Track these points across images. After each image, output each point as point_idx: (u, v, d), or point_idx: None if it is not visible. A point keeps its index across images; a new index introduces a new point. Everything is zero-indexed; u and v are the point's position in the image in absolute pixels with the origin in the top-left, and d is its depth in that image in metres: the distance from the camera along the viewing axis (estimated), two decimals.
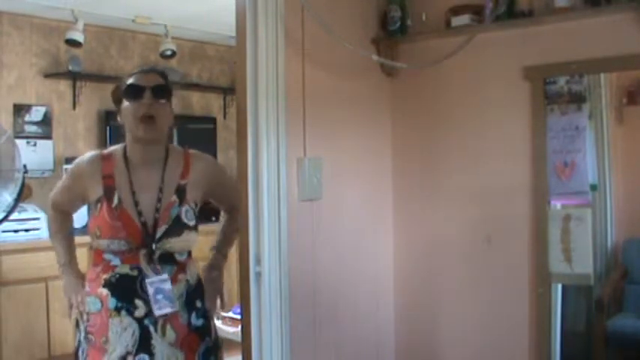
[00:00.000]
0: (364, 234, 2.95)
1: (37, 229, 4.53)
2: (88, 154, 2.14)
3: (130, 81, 2.03)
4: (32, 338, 4.34)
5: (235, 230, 2.36)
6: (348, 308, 2.87)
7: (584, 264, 2.59)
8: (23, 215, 4.43)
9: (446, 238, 2.92)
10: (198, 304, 2.09)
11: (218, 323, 3.76)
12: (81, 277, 2.17)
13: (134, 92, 2.00)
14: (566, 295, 2.74)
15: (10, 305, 4.26)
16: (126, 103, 2.02)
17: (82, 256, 2.38)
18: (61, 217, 2.29)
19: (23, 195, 3.19)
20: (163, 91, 2.04)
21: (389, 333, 3.08)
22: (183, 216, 2.02)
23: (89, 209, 2.13)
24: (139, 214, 2.00)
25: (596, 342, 3.00)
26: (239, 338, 2.76)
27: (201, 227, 2.11)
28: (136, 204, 2.01)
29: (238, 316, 3.13)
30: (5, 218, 3.10)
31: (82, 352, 2.06)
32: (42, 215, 4.58)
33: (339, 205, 2.81)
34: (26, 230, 4.48)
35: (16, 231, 4.41)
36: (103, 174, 2.06)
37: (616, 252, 3.21)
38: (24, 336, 4.30)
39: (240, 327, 2.74)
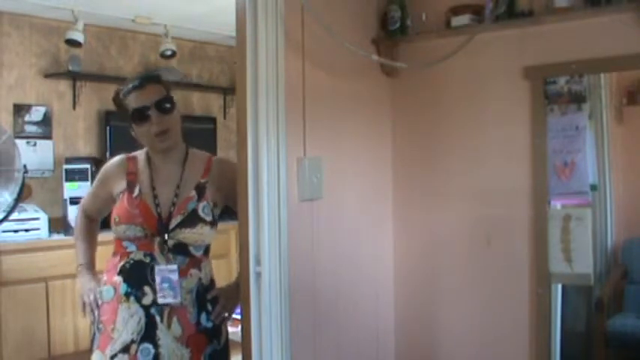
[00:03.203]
0: (364, 234, 2.95)
1: (37, 229, 4.54)
2: (116, 157, 2.28)
3: (133, 104, 2.07)
4: (32, 338, 4.35)
5: None
6: (348, 308, 2.87)
7: (584, 264, 2.59)
8: (23, 215, 4.44)
9: (446, 238, 2.92)
10: (210, 307, 2.11)
11: None
12: (96, 279, 2.27)
13: (140, 115, 2.08)
14: (566, 295, 2.74)
15: (10, 305, 4.27)
16: (136, 126, 2.10)
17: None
18: (87, 221, 2.38)
19: (23, 195, 3.20)
20: (167, 103, 2.09)
21: (389, 333, 3.08)
22: (200, 210, 2.10)
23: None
24: (157, 205, 2.07)
25: (596, 342, 3.01)
26: (239, 338, 2.76)
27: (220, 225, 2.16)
28: (155, 197, 2.10)
29: (238, 316, 3.13)
30: (5, 218, 3.11)
31: (95, 340, 2.15)
32: (42, 215, 4.59)
33: (339, 205, 2.81)
34: (26, 230, 4.49)
35: (16, 231, 4.42)
36: (128, 171, 2.19)
37: (616, 252, 3.22)
38: (24, 336, 4.31)
39: (240, 327, 2.73)
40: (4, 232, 4.26)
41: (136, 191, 2.12)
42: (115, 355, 2.07)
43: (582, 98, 2.64)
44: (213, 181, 2.16)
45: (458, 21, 2.75)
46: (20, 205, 3.51)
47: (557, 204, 2.65)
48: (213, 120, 6.05)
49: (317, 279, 2.72)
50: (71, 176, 4.79)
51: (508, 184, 2.72)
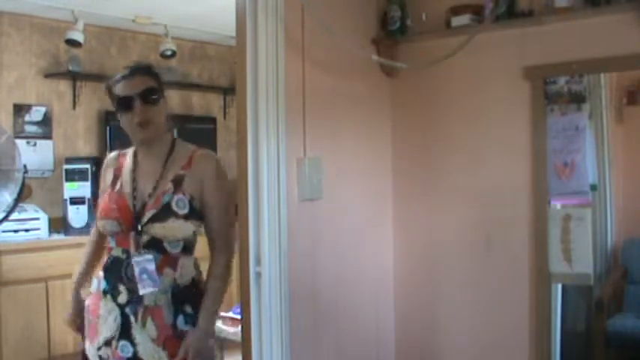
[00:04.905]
0: (364, 234, 2.95)
1: (37, 229, 4.53)
2: (112, 152, 2.29)
3: (119, 92, 2.09)
4: (32, 338, 4.34)
5: (218, 282, 2.08)
6: (348, 308, 2.87)
7: (584, 264, 2.59)
8: (23, 215, 4.43)
9: (446, 238, 2.92)
10: (188, 309, 2.07)
11: (218, 323, 3.76)
12: (78, 301, 2.26)
13: (125, 104, 2.08)
14: (566, 295, 2.74)
15: (10, 305, 4.26)
16: (120, 114, 2.10)
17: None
18: (96, 238, 2.29)
19: (23, 195, 3.19)
20: (152, 94, 2.09)
21: (389, 333, 3.08)
22: (173, 204, 2.05)
23: None
24: (134, 198, 2.07)
25: (596, 342, 3.01)
26: (239, 338, 2.76)
27: None
28: (134, 190, 2.10)
29: (238, 316, 3.13)
30: (5, 218, 3.11)
31: (85, 328, 2.19)
32: (42, 215, 4.58)
33: (339, 205, 2.81)
34: (26, 230, 4.48)
35: (16, 231, 4.41)
36: (116, 166, 2.21)
37: (616, 252, 3.22)
38: (24, 336, 4.30)
39: (240, 327, 2.73)
40: (4, 232, 4.25)
41: (117, 186, 2.14)
42: (100, 348, 2.10)
43: (582, 98, 2.64)
44: (193, 174, 2.13)
45: (458, 21, 2.75)
46: (20, 205, 3.50)
47: (557, 204, 2.65)
48: (213, 120, 6.04)
49: (317, 279, 2.72)
50: (71, 176, 4.78)
51: (508, 184, 2.72)
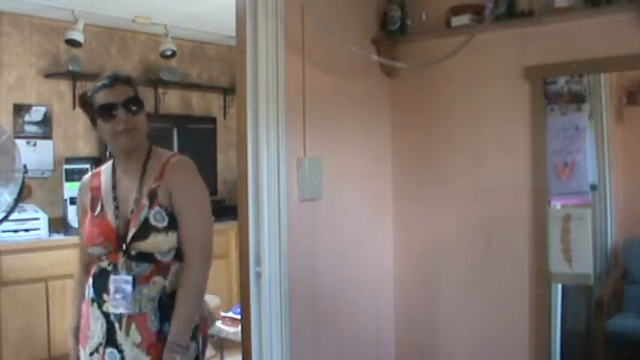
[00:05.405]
0: (364, 234, 2.95)
1: (37, 229, 4.53)
2: (85, 176, 2.26)
3: (100, 101, 2.06)
4: (32, 338, 4.35)
5: (187, 290, 2.02)
6: (348, 308, 2.87)
7: (584, 264, 2.59)
8: (23, 215, 4.43)
9: (446, 237, 2.92)
10: None
11: (218, 323, 3.77)
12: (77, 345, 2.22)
13: (107, 112, 2.06)
14: (566, 295, 2.74)
15: (10, 305, 4.27)
16: (102, 122, 2.07)
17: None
18: (83, 271, 2.25)
19: (23, 195, 3.19)
20: (134, 103, 2.07)
21: (389, 333, 3.08)
22: (151, 218, 2.03)
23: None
24: (117, 218, 2.06)
25: (596, 342, 3.01)
26: (239, 338, 2.76)
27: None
28: (116, 209, 2.07)
29: (238, 316, 3.13)
30: (5, 218, 3.10)
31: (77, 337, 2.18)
32: (42, 215, 4.59)
33: (339, 205, 2.81)
34: (26, 230, 4.48)
35: (16, 231, 4.41)
36: (92, 187, 2.18)
37: (616, 252, 3.22)
38: (24, 336, 4.30)
39: (240, 327, 2.74)
40: (4, 232, 4.25)
41: (97, 209, 2.12)
42: (91, 353, 2.10)
43: (582, 98, 2.65)
44: (164, 184, 2.12)
45: (458, 21, 2.75)
46: (20, 205, 3.50)
47: (557, 204, 2.65)
48: (213, 120, 6.05)
49: (317, 279, 2.72)
50: (71, 176, 4.78)
51: (508, 183, 2.72)
